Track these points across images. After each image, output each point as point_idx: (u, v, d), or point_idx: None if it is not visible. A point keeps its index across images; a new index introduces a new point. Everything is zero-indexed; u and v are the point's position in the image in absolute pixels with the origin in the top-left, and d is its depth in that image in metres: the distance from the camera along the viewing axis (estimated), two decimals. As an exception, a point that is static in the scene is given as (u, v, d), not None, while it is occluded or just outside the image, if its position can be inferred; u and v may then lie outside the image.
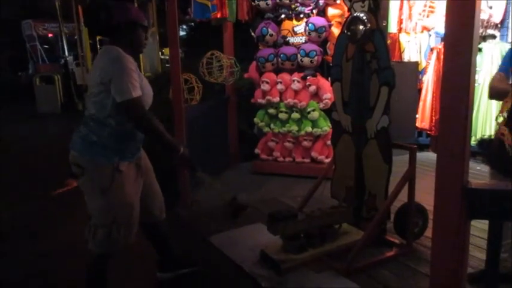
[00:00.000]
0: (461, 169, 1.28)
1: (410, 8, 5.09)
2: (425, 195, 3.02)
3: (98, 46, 19.31)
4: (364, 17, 2.68)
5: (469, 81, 1.30)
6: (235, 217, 2.80)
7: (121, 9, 2.06)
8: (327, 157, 4.44)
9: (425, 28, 5.18)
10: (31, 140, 7.51)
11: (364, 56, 2.75)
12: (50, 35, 18.51)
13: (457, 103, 1.30)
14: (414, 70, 3.06)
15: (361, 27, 2.71)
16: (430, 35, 5.24)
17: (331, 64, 4.37)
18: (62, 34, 12.31)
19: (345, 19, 3.00)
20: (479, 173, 4.00)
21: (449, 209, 1.31)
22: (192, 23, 10.74)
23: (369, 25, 2.67)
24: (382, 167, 2.73)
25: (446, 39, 1.40)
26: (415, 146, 2.73)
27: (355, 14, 2.75)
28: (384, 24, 5.18)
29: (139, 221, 2.24)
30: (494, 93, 2.31)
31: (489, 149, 2.34)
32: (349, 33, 2.80)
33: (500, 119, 2.23)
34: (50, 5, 12.93)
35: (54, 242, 3.20)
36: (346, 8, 3.33)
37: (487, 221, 1.46)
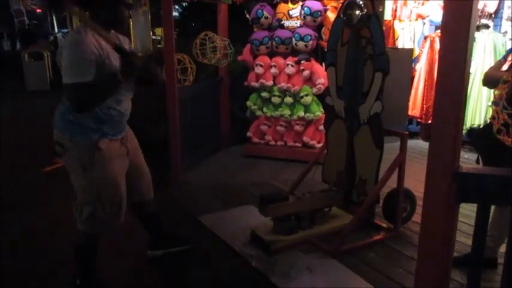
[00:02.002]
0: (453, 153, 1.31)
1: (405, -5, 5.09)
2: (414, 181, 3.08)
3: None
4: (361, 2, 2.68)
5: (464, 68, 1.32)
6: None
7: None
8: (318, 142, 4.48)
9: (420, 16, 5.20)
10: (20, 116, 7.41)
11: (360, 41, 2.75)
12: (39, 11, 18.12)
13: (451, 89, 1.33)
14: (408, 57, 3.08)
15: (357, 12, 2.71)
16: (424, 23, 5.26)
17: (325, 49, 4.41)
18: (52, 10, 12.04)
19: (340, 4, 3.00)
20: (467, 161, 4.08)
21: (440, 192, 1.35)
22: (186, 3, 10.59)
23: (365, 10, 2.68)
24: (373, 152, 2.77)
25: (443, 27, 1.41)
26: (407, 133, 2.77)
27: (352, -1, 2.74)
28: (380, 10, 5.18)
29: (128, 201, 2.24)
30: (487, 79, 2.34)
31: (478, 139, 2.37)
32: (345, 17, 2.80)
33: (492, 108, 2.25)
34: (39, -21, 12.62)
35: (44, 219, 3.20)
36: (342, -7, 3.32)
37: (472, 208, 1.51)
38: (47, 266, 2.56)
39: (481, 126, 2.59)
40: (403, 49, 4.71)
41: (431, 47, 5.00)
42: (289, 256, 2.60)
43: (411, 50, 4.42)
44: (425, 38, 5.11)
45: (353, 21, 2.74)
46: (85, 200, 2.09)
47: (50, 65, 10.87)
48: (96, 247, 2.21)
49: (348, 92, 2.93)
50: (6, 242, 2.86)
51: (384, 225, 2.94)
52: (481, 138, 2.28)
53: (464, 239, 2.62)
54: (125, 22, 2.20)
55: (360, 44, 2.75)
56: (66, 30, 14.56)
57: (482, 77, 2.43)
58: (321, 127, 4.43)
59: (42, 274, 2.48)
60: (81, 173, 2.04)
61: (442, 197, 1.36)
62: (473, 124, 4.57)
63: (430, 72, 5.04)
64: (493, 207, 2.12)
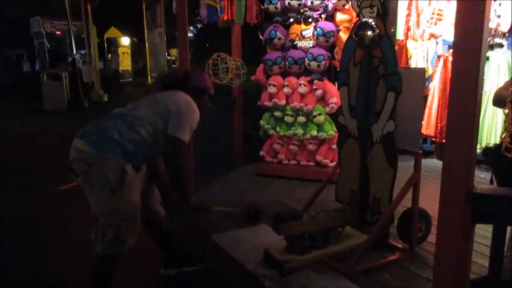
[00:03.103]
0: (467, 174, 1.31)
1: (418, 15, 5.10)
2: (429, 201, 3.05)
3: (105, 45, 19.38)
4: (373, 23, 2.71)
5: (476, 88, 1.33)
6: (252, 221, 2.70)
7: (199, 76, 2.50)
8: (331, 161, 4.47)
9: (432, 35, 5.20)
10: (38, 135, 7.58)
11: (372, 61, 2.78)
12: (58, 33, 18.67)
13: (464, 109, 1.33)
14: (421, 76, 3.08)
15: (369, 32, 2.74)
16: (437, 43, 5.27)
17: (338, 69, 4.44)
18: (71, 32, 12.41)
19: (353, 24, 3.03)
20: (483, 180, 4.01)
21: (454, 213, 1.34)
22: (200, 25, 10.81)
23: (377, 30, 2.71)
24: (387, 172, 2.76)
25: (455, 46, 1.43)
26: (421, 152, 2.76)
27: (363, 20, 2.78)
28: (392, 30, 5.21)
29: (142, 219, 2.27)
30: (495, 99, 2.33)
31: (492, 158, 2.35)
32: (357, 38, 2.83)
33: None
34: (58, 3, 13.07)
35: (60, 237, 3.24)
36: (354, 14, 3.36)
37: (489, 228, 1.48)
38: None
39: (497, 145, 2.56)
40: (415, 68, 4.71)
41: (445, 66, 4.99)
42: (303, 276, 2.57)
43: (423, 70, 4.42)
44: (439, 57, 5.12)
45: (365, 42, 2.77)
46: (109, 221, 2.07)
47: (68, 86, 11.14)
48: (114, 270, 2.20)
49: (360, 111, 2.94)
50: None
51: (399, 245, 2.90)
52: (494, 157, 2.26)
53: (481, 261, 2.57)
54: (207, 108, 2.54)
55: (372, 63, 2.78)
56: (84, 52, 14.95)
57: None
58: (334, 146, 4.42)
59: None
60: (109, 194, 2.03)
61: (457, 218, 1.35)
62: (489, 143, 4.51)
63: (443, 91, 5.01)
64: (509, 228, 2.08)
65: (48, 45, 17.73)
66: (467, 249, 1.44)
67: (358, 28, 2.81)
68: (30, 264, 2.86)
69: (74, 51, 12.68)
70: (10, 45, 19.63)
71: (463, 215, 1.33)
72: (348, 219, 2.93)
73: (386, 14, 2.73)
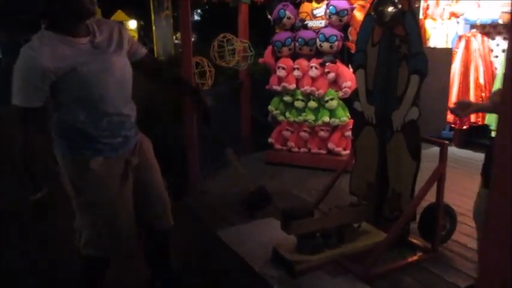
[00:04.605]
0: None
1: (438, -7, 4.77)
2: (452, 193, 2.79)
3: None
4: (395, -3, 2.41)
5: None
6: (256, 209, 2.40)
7: None
8: (344, 149, 4.21)
9: (453, 14, 4.86)
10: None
11: (393, 41, 2.49)
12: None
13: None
14: (448, 57, 2.78)
15: (390, 8, 2.44)
16: (458, 22, 4.92)
17: (352, 50, 4.14)
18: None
19: (368, 2, 2.74)
20: None
21: (505, 221, 1.09)
22: (207, 6, 10.49)
23: (399, 6, 2.41)
24: (409, 164, 2.49)
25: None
26: (447, 142, 2.49)
27: (384, -6, 2.48)
28: (417, 5, 4.88)
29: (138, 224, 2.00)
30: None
31: None
32: (376, 15, 2.54)
33: None
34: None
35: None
36: (372, -11, 3.07)
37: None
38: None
39: None
40: (441, 48, 4.37)
41: (467, 47, 4.67)
42: (315, 278, 2.35)
43: (450, 50, 4.09)
44: (460, 37, 4.78)
45: (385, 19, 2.48)
46: (80, 223, 1.87)
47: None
48: (99, 274, 1.98)
49: (379, 96, 2.66)
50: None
51: (420, 243, 2.65)
52: None
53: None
54: (88, 10, 1.68)
55: (393, 43, 2.49)
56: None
57: None
58: (347, 133, 4.17)
59: None
60: (74, 194, 1.81)
61: (508, 227, 1.10)
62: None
63: (464, 74, 4.70)
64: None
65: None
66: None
67: (378, 3, 2.51)
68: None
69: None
70: (19, 31, 19.46)
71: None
72: (364, 215, 2.69)
73: (410, -13, 2.44)
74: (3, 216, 3.41)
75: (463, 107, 2.14)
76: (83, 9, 1.66)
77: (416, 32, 2.38)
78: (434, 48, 4.10)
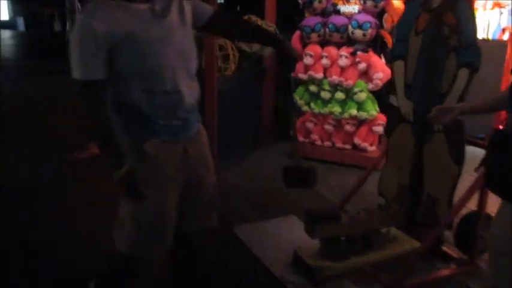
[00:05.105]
0: None
1: (481, -20, 4.44)
2: (490, 201, 2.54)
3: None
4: (446, -20, 2.15)
5: None
6: (294, 184, 2.07)
7: None
8: (371, 145, 3.98)
9: (497, 4, 4.52)
10: (59, 98, 7.33)
11: (441, 30, 2.23)
12: (88, -7, 18.40)
13: None
14: (501, 51, 2.53)
15: (439, -7, 2.19)
16: (501, 13, 4.58)
17: (385, 39, 3.87)
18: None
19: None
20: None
21: None
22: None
23: (451, -9, 2.16)
24: (449, 168, 2.26)
25: None
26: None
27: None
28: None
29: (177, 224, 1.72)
30: None
31: None
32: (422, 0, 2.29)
33: None
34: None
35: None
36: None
37: None
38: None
39: None
40: (495, 41, 4.06)
41: (511, 40, 4.33)
42: (339, 288, 2.16)
43: (505, 43, 3.81)
44: (503, 30, 4.45)
45: (433, 5, 2.23)
46: (124, 214, 1.65)
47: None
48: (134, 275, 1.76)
49: (419, 91, 2.41)
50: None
51: (455, 254, 2.43)
52: None
53: None
54: None
55: (441, 33, 2.23)
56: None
57: None
58: (375, 128, 3.93)
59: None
60: None
61: None
62: None
63: (507, 70, 4.37)
64: None
65: (79, 6, 17.48)
66: None
67: (425, -13, 2.26)
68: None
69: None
70: (42, 5, 19.50)
71: None
72: (393, 219, 2.47)
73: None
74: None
75: (445, 113, 1.82)
76: None
77: (471, 21, 2.13)
78: (487, 40, 3.81)
